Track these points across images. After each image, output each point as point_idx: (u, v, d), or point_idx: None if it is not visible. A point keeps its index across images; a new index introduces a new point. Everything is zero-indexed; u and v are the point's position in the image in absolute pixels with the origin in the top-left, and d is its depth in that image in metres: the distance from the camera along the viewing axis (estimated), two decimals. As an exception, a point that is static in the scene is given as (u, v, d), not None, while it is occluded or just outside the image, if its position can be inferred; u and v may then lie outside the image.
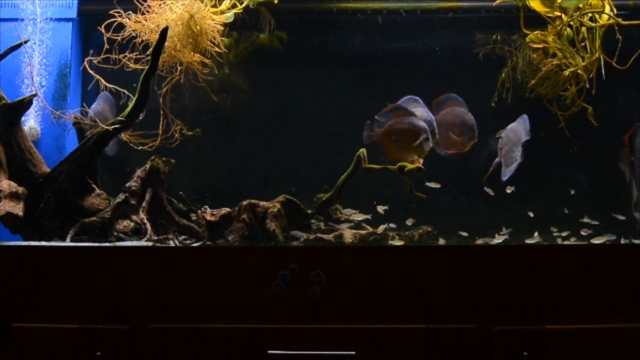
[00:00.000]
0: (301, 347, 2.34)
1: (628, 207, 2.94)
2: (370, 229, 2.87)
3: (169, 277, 2.40)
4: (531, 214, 2.99)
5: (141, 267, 2.42)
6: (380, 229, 2.84)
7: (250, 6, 3.14)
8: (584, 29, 2.97)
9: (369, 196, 2.98)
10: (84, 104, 3.00)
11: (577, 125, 3.04)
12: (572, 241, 2.85)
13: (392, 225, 2.89)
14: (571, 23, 2.94)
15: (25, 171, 2.83)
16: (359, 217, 2.91)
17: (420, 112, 2.94)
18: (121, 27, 2.96)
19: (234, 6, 3.11)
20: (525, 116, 2.92)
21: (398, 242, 2.73)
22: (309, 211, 2.92)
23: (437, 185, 2.90)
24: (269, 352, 2.33)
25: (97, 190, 2.88)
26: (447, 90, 3.14)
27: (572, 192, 3.05)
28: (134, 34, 2.95)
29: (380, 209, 2.89)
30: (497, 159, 2.97)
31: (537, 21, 2.99)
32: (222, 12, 3.09)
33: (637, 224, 2.92)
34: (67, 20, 3.31)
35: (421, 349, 2.33)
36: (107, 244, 2.60)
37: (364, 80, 3.42)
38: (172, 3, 2.97)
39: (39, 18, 3.24)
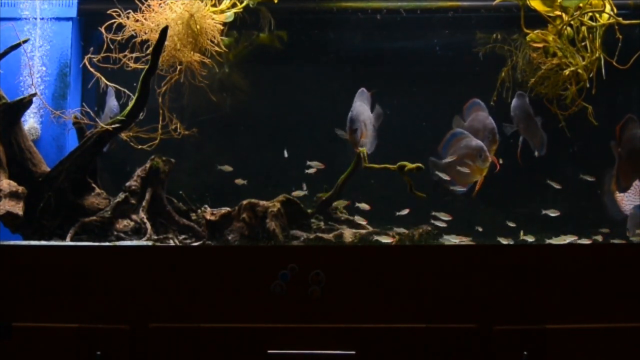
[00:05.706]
0: (301, 347, 2.34)
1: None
2: (371, 229, 2.87)
3: (169, 276, 2.40)
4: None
5: (141, 267, 2.42)
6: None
7: (250, 5, 3.14)
8: (584, 28, 2.97)
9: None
10: (84, 104, 3.00)
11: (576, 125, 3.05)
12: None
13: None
14: (571, 22, 2.94)
15: (25, 171, 2.83)
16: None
17: (361, 108, 2.91)
18: (121, 26, 2.95)
19: (233, 5, 3.10)
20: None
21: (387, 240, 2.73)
22: (309, 210, 2.93)
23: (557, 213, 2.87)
24: (269, 352, 2.33)
25: (97, 190, 2.88)
26: (446, 89, 3.14)
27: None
28: (134, 34, 2.95)
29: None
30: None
31: (538, 20, 2.98)
32: (222, 12, 3.08)
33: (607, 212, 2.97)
34: (67, 19, 3.31)
35: (421, 349, 2.33)
36: (107, 244, 2.60)
37: (363, 80, 3.41)
38: (172, 2, 2.97)
39: (39, 17, 3.24)
